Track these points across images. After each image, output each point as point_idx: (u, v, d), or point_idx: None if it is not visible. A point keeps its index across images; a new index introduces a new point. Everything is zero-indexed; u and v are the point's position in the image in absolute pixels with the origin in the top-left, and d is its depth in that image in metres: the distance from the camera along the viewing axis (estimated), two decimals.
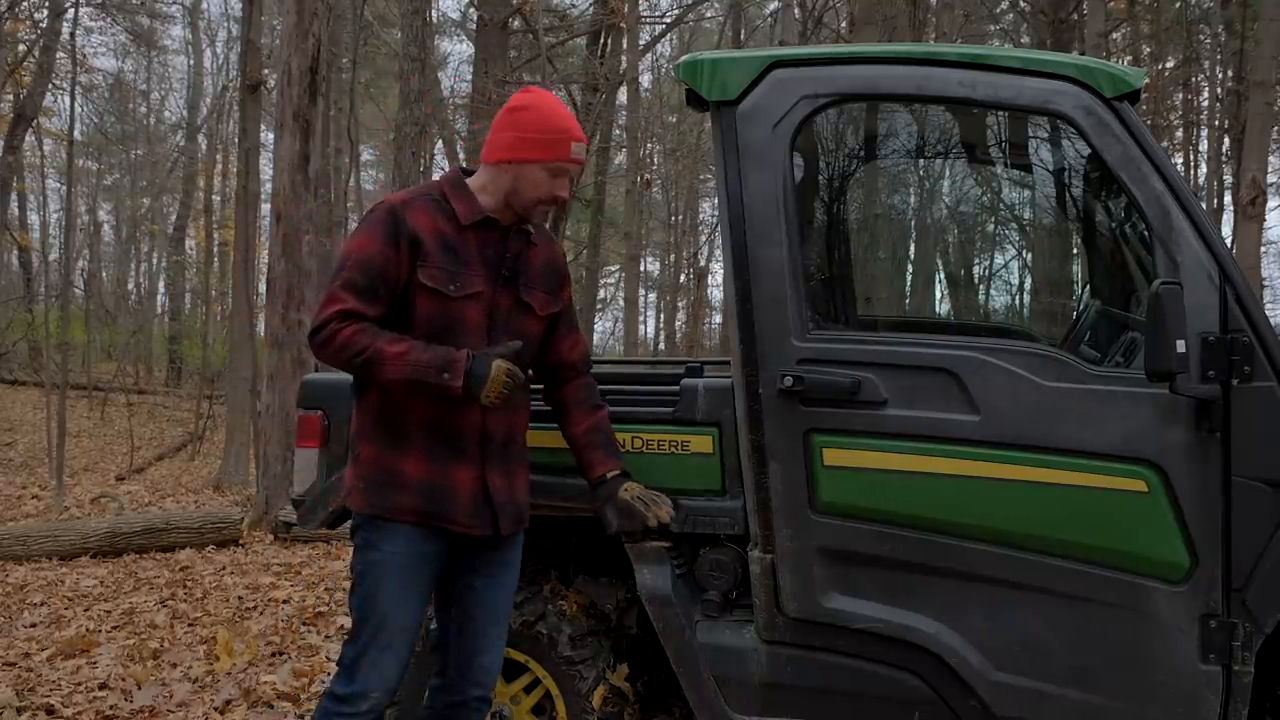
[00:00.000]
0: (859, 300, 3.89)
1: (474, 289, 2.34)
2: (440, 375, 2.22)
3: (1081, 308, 3.68)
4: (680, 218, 26.22)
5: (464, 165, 2.48)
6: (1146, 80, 3.38)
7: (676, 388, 2.78)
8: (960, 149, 3.75)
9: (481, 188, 2.42)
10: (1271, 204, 12.46)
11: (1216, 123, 15.64)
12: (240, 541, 7.68)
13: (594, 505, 2.58)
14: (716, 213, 18.11)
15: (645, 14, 16.59)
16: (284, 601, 5.71)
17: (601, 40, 16.58)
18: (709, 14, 21.26)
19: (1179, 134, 17.33)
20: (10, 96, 19.68)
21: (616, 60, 16.44)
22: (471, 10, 16.48)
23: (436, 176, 3.00)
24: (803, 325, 2.59)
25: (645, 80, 20.94)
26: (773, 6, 18.29)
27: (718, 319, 26.79)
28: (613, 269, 26.96)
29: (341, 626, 5.11)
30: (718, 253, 23.88)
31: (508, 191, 2.38)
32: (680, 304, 26.91)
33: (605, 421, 2.61)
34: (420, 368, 2.22)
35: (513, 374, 2.25)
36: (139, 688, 4.08)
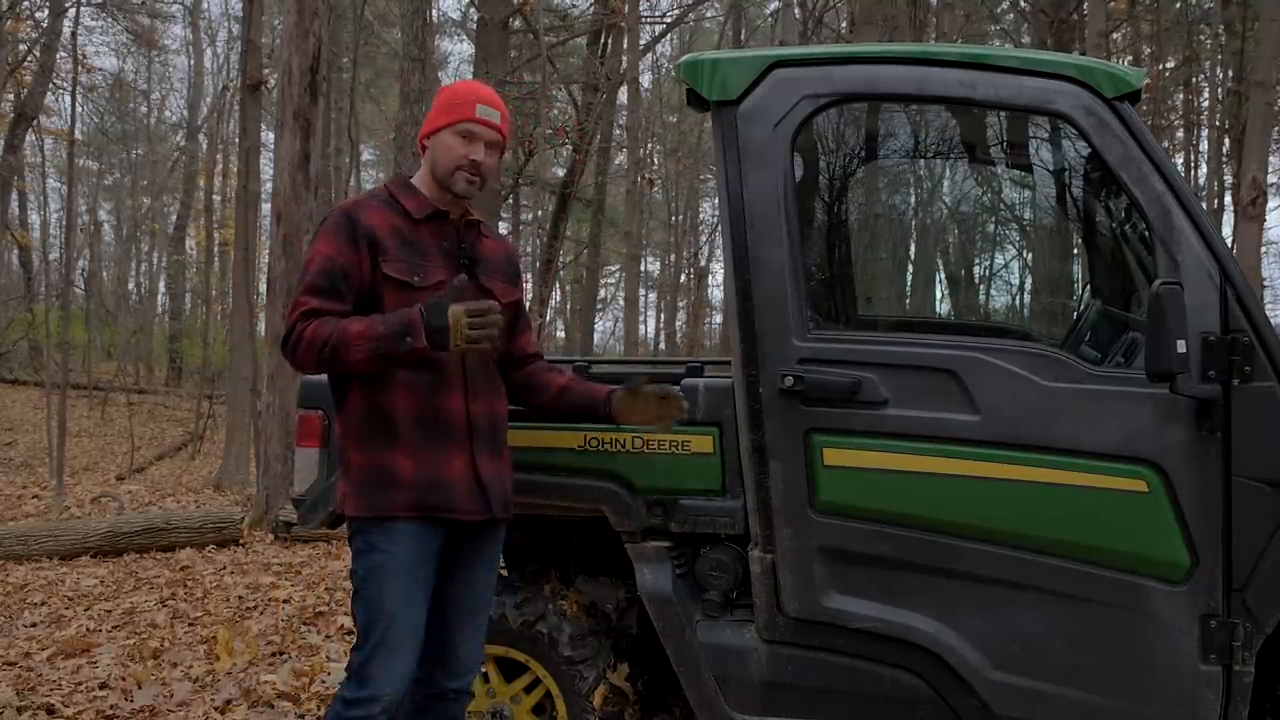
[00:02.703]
0: (859, 300, 3.89)
1: (437, 278, 2.37)
2: (403, 341, 2.21)
3: (1082, 308, 3.68)
4: (680, 217, 26.25)
5: None
6: (1147, 80, 3.37)
7: (677, 387, 2.78)
8: (960, 149, 3.74)
9: (420, 180, 2.48)
10: (1272, 204, 12.46)
11: (1217, 123, 15.66)
12: (240, 541, 7.67)
13: (613, 414, 2.54)
14: (717, 212, 18.09)
15: (645, 14, 16.61)
16: (284, 601, 5.71)
17: (602, 40, 16.61)
18: (709, 14, 21.31)
19: (1179, 134, 17.35)
20: (11, 96, 19.68)
21: (617, 60, 16.47)
22: (472, 10, 16.47)
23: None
24: (803, 325, 2.59)
25: (645, 80, 20.98)
26: (773, 6, 18.30)
27: (718, 318, 26.84)
28: (613, 269, 26.99)
29: (342, 626, 5.11)
30: (718, 252, 23.90)
31: (432, 170, 2.43)
32: (680, 304, 26.94)
33: (580, 379, 2.64)
34: (382, 340, 2.22)
35: (473, 310, 2.21)
36: (139, 687, 4.08)
